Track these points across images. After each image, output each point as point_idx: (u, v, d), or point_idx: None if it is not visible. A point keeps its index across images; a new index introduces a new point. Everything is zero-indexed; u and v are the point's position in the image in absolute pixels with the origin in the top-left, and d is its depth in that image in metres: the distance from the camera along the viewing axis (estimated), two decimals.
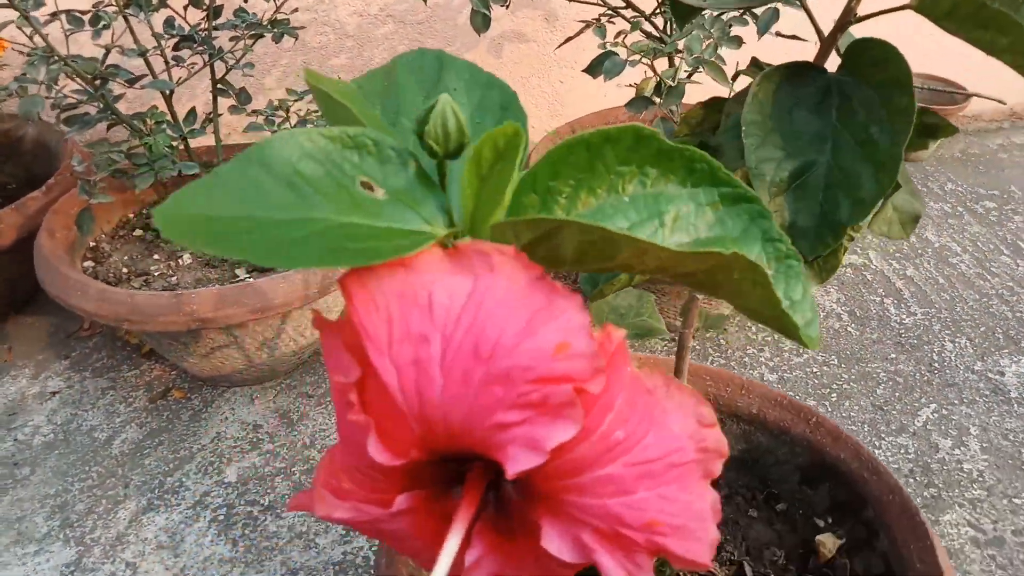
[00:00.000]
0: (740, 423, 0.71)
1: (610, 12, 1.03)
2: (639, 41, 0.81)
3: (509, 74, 1.49)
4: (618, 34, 0.84)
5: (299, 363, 1.09)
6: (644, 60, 0.79)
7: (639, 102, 0.79)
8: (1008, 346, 1.09)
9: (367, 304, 0.21)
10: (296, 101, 1.01)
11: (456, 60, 0.32)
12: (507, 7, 1.00)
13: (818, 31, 0.47)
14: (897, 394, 1.01)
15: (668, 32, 1.02)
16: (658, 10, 0.99)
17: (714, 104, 0.52)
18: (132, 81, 0.90)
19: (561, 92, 1.54)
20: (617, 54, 0.81)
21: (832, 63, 0.43)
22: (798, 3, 0.47)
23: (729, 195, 0.26)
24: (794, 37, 0.98)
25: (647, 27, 1.03)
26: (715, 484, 0.24)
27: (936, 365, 1.06)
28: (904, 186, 0.47)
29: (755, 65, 0.50)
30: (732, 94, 0.50)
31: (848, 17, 0.45)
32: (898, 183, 0.43)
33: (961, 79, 1.52)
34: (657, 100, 0.78)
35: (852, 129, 0.40)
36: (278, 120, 1.02)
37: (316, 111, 1.06)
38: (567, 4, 1.03)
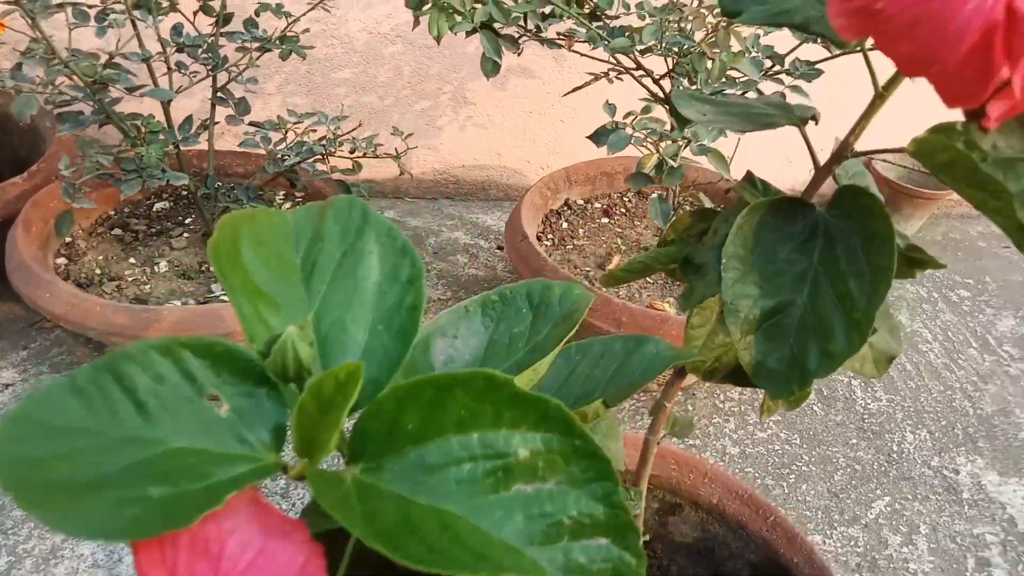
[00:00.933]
0: (699, 511, 0.72)
1: (619, 69, 1.04)
2: (647, 117, 0.81)
3: (512, 108, 1.50)
4: (627, 115, 0.84)
5: None
6: (650, 139, 0.80)
7: (639, 178, 0.80)
8: (966, 444, 1.10)
9: (151, 554, 0.21)
10: (296, 123, 1.01)
11: (379, 220, 0.32)
12: (519, 55, 1.00)
13: (814, 160, 0.47)
14: (854, 482, 1.03)
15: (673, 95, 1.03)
16: (670, 73, 1.00)
17: (703, 214, 0.52)
18: (132, 89, 0.89)
19: (561, 131, 1.54)
20: (623, 128, 0.82)
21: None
22: (799, 127, 0.47)
23: (581, 450, 0.25)
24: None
25: (654, 88, 1.04)
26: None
27: (895, 456, 1.07)
28: (883, 322, 0.48)
29: (748, 181, 0.50)
30: (727, 197, 0.50)
31: (844, 151, 0.46)
32: (875, 328, 0.44)
33: None
34: (657, 177, 0.79)
35: (832, 276, 0.40)
36: (275, 139, 1.01)
37: (315, 130, 1.05)
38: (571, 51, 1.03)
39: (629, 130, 0.80)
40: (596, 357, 0.43)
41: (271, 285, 0.31)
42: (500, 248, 1.43)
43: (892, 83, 0.42)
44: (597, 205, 1.28)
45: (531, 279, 0.43)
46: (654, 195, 0.81)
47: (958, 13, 0.29)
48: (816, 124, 0.48)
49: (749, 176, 0.50)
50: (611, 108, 0.85)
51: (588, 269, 1.13)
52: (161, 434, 0.24)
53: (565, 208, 1.27)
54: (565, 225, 1.23)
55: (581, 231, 1.22)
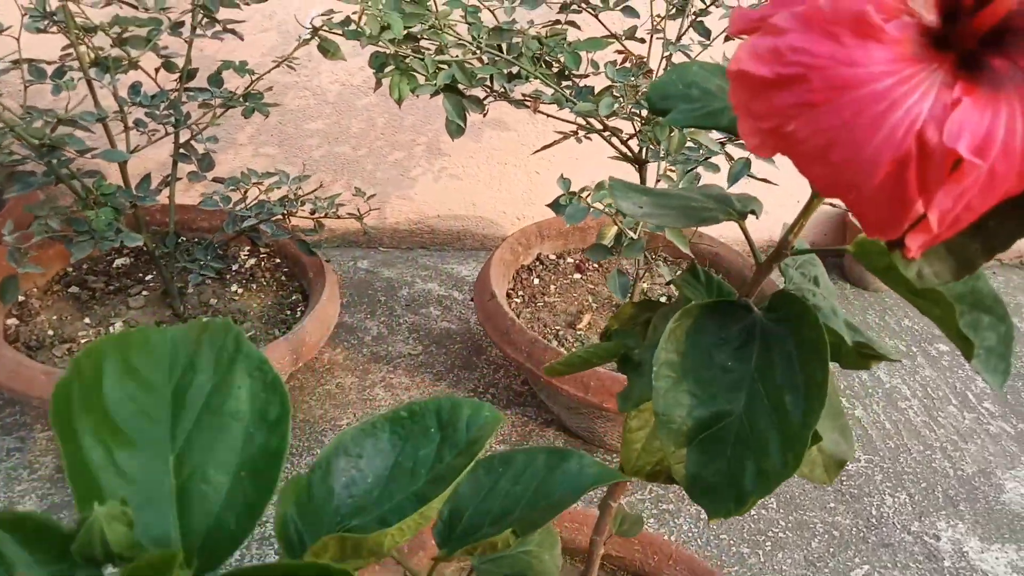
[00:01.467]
0: None
1: (587, 128, 1.03)
2: (599, 193, 0.80)
3: (487, 159, 1.49)
4: (583, 189, 0.83)
5: None
6: (606, 211, 0.78)
7: (598, 250, 0.78)
8: (946, 507, 1.07)
9: None
10: (256, 182, 0.99)
11: (252, 352, 0.31)
12: (484, 115, 0.99)
13: (755, 257, 0.45)
14: (832, 549, 0.99)
15: (644, 155, 1.02)
16: (637, 135, 0.99)
17: (647, 304, 0.50)
18: (83, 151, 0.87)
19: (536, 182, 1.53)
20: (580, 198, 0.80)
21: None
22: (738, 222, 0.45)
23: None
24: (766, 180, 0.99)
25: (623, 148, 1.03)
26: None
27: (874, 521, 1.04)
28: (833, 423, 0.46)
29: (691, 273, 0.48)
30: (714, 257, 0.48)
31: (784, 249, 0.44)
32: (819, 435, 0.42)
33: None
34: (617, 249, 0.77)
35: (768, 387, 0.38)
36: (235, 199, 0.99)
37: (277, 187, 1.04)
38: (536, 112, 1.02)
39: (584, 203, 0.78)
40: (519, 471, 0.40)
41: (134, 423, 0.29)
42: (474, 297, 1.41)
43: None
44: (569, 260, 1.27)
45: (441, 399, 0.40)
46: (614, 271, 0.79)
47: (870, 141, 0.27)
48: (757, 218, 0.46)
49: (692, 268, 0.48)
50: (565, 183, 0.83)
51: (558, 328, 1.11)
52: None
53: (537, 263, 1.25)
54: (536, 281, 1.21)
55: (552, 287, 1.20)
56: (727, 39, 1.07)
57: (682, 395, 0.39)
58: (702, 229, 1.19)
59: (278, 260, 1.17)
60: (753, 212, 0.44)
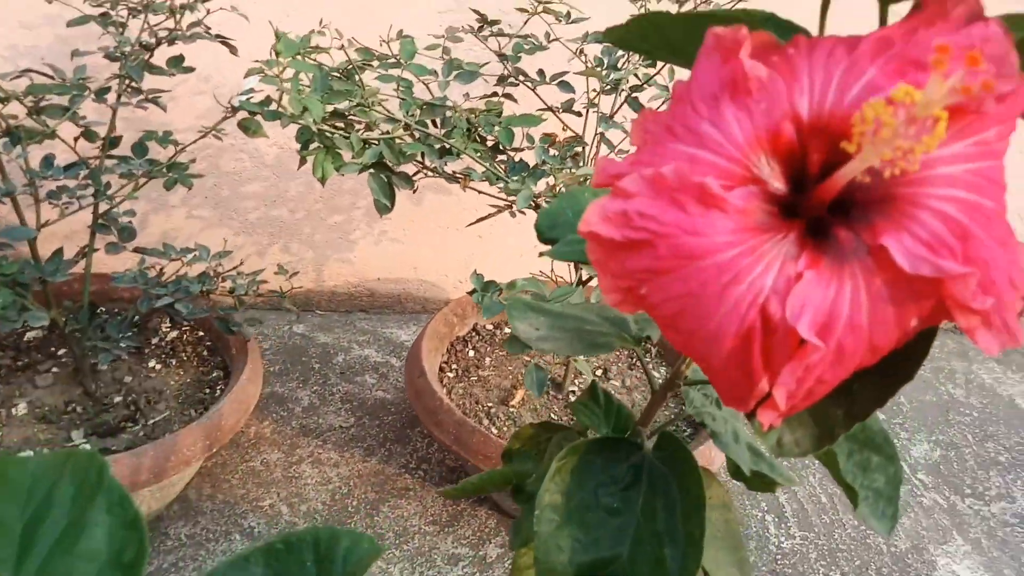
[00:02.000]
0: None
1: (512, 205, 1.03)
2: (526, 279, 0.79)
3: (427, 223, 1.48)
4: (500, 286, 0.82)
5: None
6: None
7: (515, 344, 0.77)
8: None
9: None
10: (172, 261, 0.95)
11: (114, 486, 0.29)
12: (415, 191, 0.98)
13: (652, 385, 0.44)
14: None
15: None
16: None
17: (548, 425, 0.48)
18: None
19: (479, 246, 1.52)
20: (497, 292, 0.79)
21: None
22: (633, 348, 0.44)
23: None
24: None
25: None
26: None
27: None
28: (731, 555, 0.44)
29: (591, 396, 0.47)
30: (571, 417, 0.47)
31: (677, 379, 0.43)
32: (706, 571, 0.40)
33: None
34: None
35: (650, 535, 0.36)
36: (151, 275, 0.96)
37: (196, 263, 1.00)
38: (465, 189, 1.02)
39: (500, 300, 0.77)
40: None
41: None
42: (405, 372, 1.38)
43: None
44: (507, 330, 1.25)
45: (319, 529, 0.38)
46: (532, 364, 0.78)
47: (715, 313, 0.26)
48: (653, 342, 0.45)
49: (592, 390, 0.47)
50: (478, 278, 0.82)
51: (490, 404, 1.09)
52: None
53: (473, 334, 1.23)
54: (472, 353, 1.19)
55: (488, 359, 1.18)
56: None
57: (564, 539, 0.37)
58: None
59: (201, 333, 1.12)
60: (648, 337, 0.43)
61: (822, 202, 0.28)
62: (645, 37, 0.31)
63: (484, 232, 1.52)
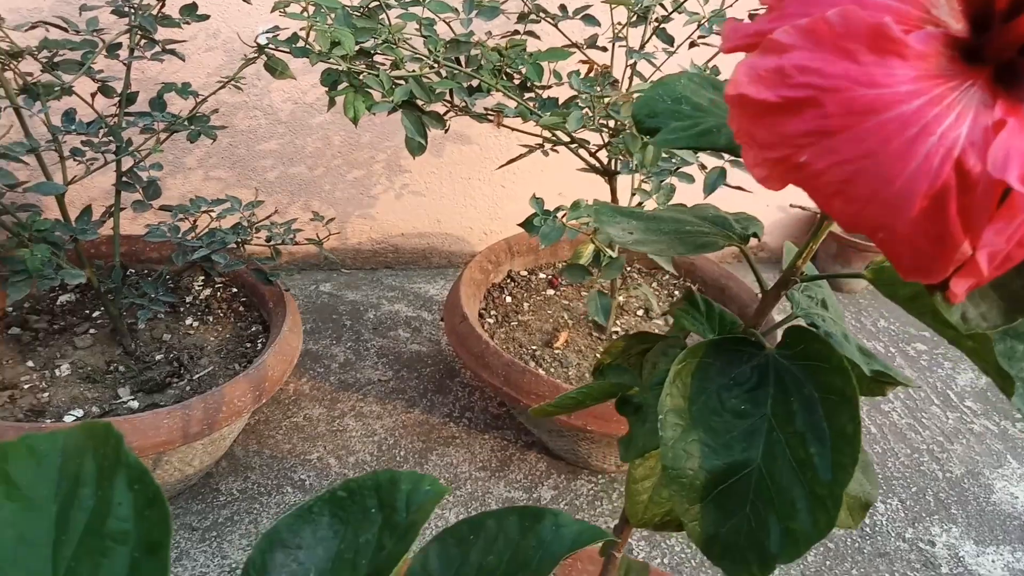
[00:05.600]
0: None
1: (554, 141, 0.99)
2: (575, 212, 0.76)
3: (450, 174, 1.44)
4: (558, 208, 0.79)
5: (185, 488, 0.97)
6: (582, 230, 0.74)
7: (576, 271, 0.74)
8: (939, 511, 1.06)
9: None
10: (207, 209, 0.92)
11: (132, 461, 0.27)
12: (446, 131, 0.94)
13: (761, 286, 0.42)
14: (828, 563, 0.96)
15: (614, 167, 0.98)
16: (606, 146, 0.95)
17: (640, 337, 0.46)
18: (13, 185, 0.80)
19: (502, 196, 1.49)
20: (556, 218, 0.76)
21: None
22: (739, 247, 0.42)
23: None
24: (740, 188, 0.96)
25: (592, 160, 0.99)
26: None
27: (868, 529, 1.02)
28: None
29: (689, 302, 0.44)
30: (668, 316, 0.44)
31: (793, 275, 0.40)
32: None
33: None
34: (594, 271, 0.73)
35: (788, 436, 0.34)
36: (184, 228, 0.93)
37: (228, 216, 0.97)
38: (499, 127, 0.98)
39: (560, 223, 0.74)
40: (491, 538, 0.36)
41: (13, 553, 0.24)
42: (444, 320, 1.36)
43: None
44: (542, 276, 1.22)
45: (379, 473, 0.36)
46: (594, 291, 0.75)
47: (900, 173, 0.23)
48: (759, 240, 0.43)
49: (689, 295, 0.44)
50: (538, 202, 0.79)
51: (534, 347, 1.07)
52: None
53: (508, 281, 1.20)
54: (508, 299, 1.16)
55: (526, 305, 1.16)
56: (692, 46, 1.03)
57: (692, 445, 0.35)
58: None
59: (235, 290, 1.10)
60: (755, 235, 0.41)
61: (1014, 43, 0.25)
62: None
63: (507, 182, 1.48)
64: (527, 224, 0.77)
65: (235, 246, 0.92)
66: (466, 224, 1.51)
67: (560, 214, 0.75)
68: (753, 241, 0.42)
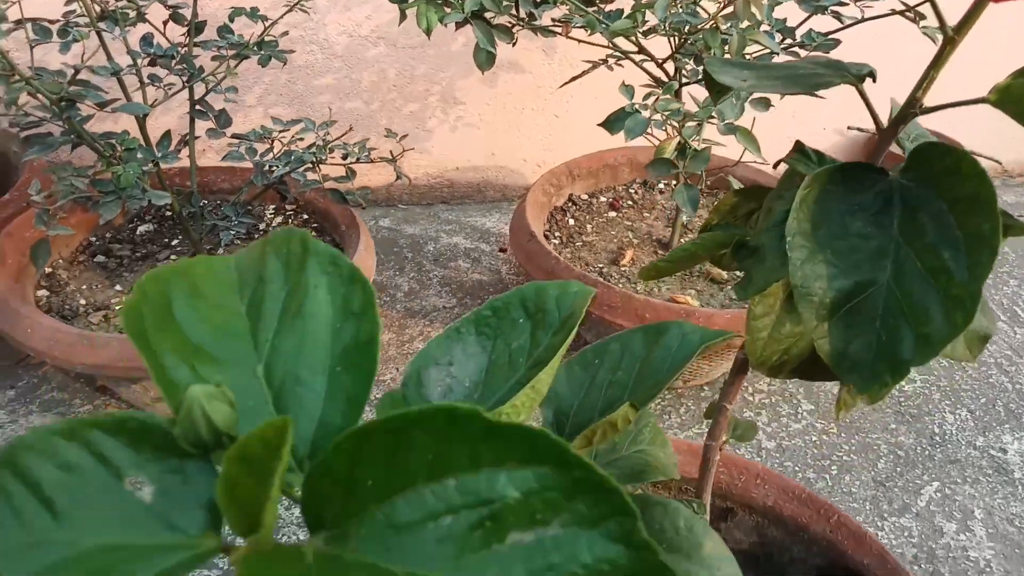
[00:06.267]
0: (754, 515, 0.66)
1: (618, 55, 0.99)
2: (666, 99, 0.75)
3: (503, 105, 1.44)
4: (647, 96, 0.78)
5: None
6: (671, 122, 0.74)
7: (661, 164, 0.74)
8: (1009, 421, 1.05)
9: None
10: (282, 131, 0.95)
11: (319, 247, 0.28)
12: (514, 45, 0.94)
13: (876, 121, 0.42)
14: (899, 469, 0.97)
15: (680, 79, 0.97)
16: (672, 56, 0.94)
17: (751, 192, 0.47)
18: (102, 104, 0.83)
19: (556, 127, 1.49)
20: (640, 112, 0.76)
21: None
22: (856, 86, 0.42)
23: (584, 482, 0.20)
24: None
25: (657, 72, 0.99)
26: None
27: (937, 439, 1.02)
28: None
29: (800, 151, 0.45)
30: (778, 171, 0.45)
31: (912, 107, 0.40)
32: None
33: (951, 133, 1.48)
34: (679, 164, 0.73)
35: (918, 249, 0.35)
36: (261, 150, 0.95)
37: (303, 139, 1.00)
38: (566, 38, 0.97)
39: (647, 113, 0.74)
40: (616, 358, 0.37)
41: (212, 342, 0.26)
42: (503, 251, 1.37)
43: (965, 23, 0.37)
44: (603, 199, 1.23)
45: (523, 287, 0.37)
46: (679, 184, 0.75)
47: None
48: (874, 81, 0.43)
49: (799, 146, 0.45)
50: (628, 90, 0.79)
51: (601, 265, 1.08)
52: (74, 533, 0.20)
53: (570, 204, 1.21)
54: (572, 222, 1.17)
55: (589, 227, 1.16)
56: None
57: (819, 266, 0.36)
58: (728, 155, 1.15)
59: (305, 216, 1.13)
60: (871, 75, 0.41)
61: None
62: None
63: (560, 111, 1.48)
64: (609, 121, 0.77)
65: (311, 166, 0.94)
66: (520, 156, 1.52)
67: (652, 99, 0.75)
68: (868, 81, 0.42)
